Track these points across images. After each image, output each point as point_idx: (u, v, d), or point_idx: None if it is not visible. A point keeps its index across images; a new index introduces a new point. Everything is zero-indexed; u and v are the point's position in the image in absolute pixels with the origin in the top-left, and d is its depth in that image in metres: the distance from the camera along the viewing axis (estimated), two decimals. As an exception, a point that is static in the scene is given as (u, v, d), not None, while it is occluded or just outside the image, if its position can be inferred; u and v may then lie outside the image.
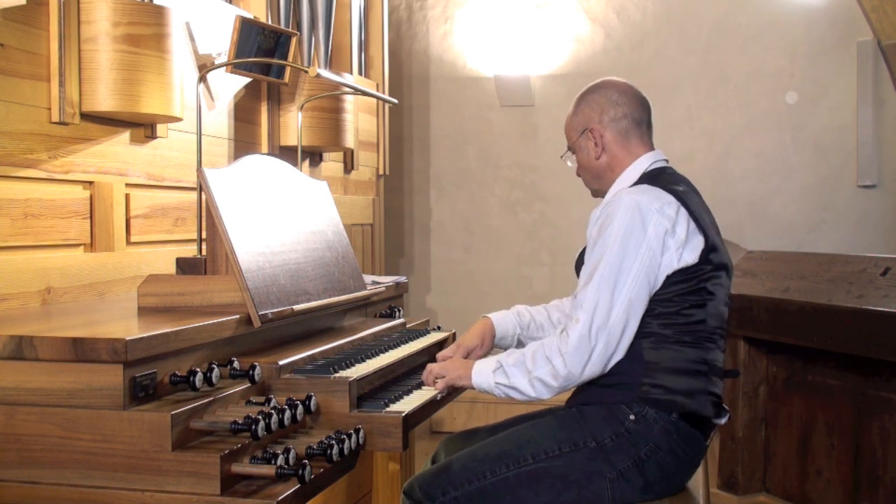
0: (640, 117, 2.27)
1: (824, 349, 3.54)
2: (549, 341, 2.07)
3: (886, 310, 3.19)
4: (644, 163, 2.24)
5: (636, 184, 2.18)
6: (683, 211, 2.09)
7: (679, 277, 2.07)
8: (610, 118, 2.25)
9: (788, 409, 3.89)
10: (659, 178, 2.17)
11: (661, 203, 2.07)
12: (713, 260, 2.10)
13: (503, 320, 2.47)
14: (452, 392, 2.35)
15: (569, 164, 2.39)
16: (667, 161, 2.27)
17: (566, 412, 2.17)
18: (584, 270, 2.11)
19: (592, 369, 2.03)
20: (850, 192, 5.50)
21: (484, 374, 2.15)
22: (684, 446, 2.08)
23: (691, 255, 2.07)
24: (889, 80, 5.23)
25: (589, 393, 2.13)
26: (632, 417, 2.06)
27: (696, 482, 2.22)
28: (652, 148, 2.28)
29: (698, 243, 2.08)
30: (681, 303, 2.08)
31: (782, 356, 3.92)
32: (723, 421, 2.17)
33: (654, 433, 2.05)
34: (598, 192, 2.33)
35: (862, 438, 3.50)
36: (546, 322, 2.50)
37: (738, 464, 4.00)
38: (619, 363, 2.06)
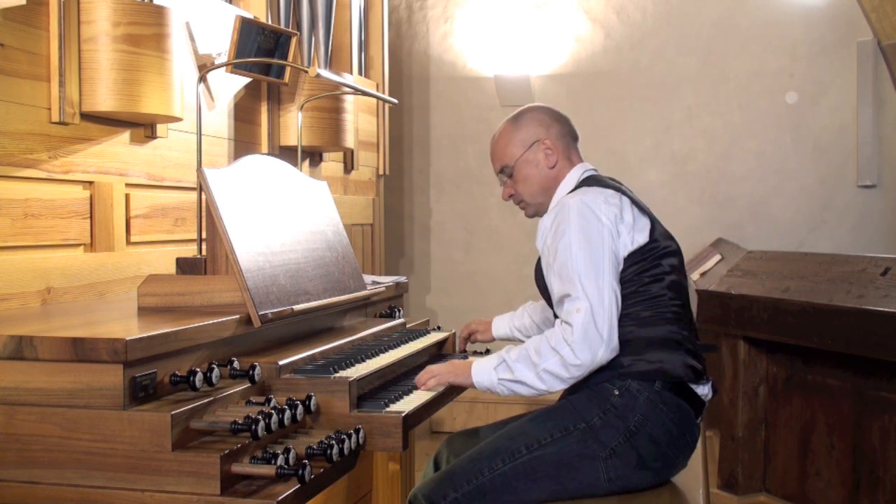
0: (575, 135, 2.44)
1: (824, 349, 3.54)
2: (549, 333, 2.10)
3: (886, 310, 3.19)
4: (578, 172, 2.36)
5: (573, 189, 2.30)
6: (626, 199, 2.22)
7: (635, 258, 2.18)
8: (557, 132, 2.38)
9: (788, 409, 3.89)
10: (593, 181, 2.29)
11: (604, 196, 2.19)
12: (660, 239, 2.23)
13: (503, 321, 2.72)
14: (452, 392, 2.34)
15: (505, 181, 2.42)
16: (596, 171, 2.39)
17: (556, 403, 2.24)
18: (557, 279, 2.15)
19: (602, 357, 2.06)
20: (850, 192, 5.50)
21: (485, 371, 2.16)
22: (672, 416, 2.12)
23: (641, 236, 2.19)
24: (889, 80, 5.23)
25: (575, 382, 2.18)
26: (616, 392, 2.11)
27: (697, 482, 2.22)
28: (583, 160, 2.42)
29: (645, 224, 2.21)
30: (639, 281, 2.17)
31: (782, 356, 3.92)
32: (707, 391, 2.22)
33: (639, 403, 2.10)
34: (540, 210, 2.41)
35: (862, 438, 3.50)
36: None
37: (738, 464, 4.00)
38: None
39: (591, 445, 2.09)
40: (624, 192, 2.25)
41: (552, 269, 2.17)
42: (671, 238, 2.29)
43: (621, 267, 2.17)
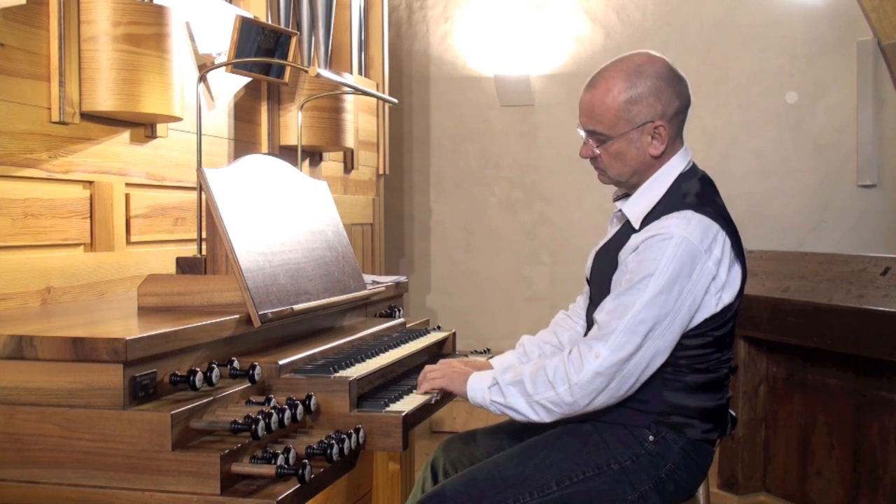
0: (689, 104, 2.09)
1: (824, 349, 3.54)
2: (554, 364, 1.96)
3: (886, 310, 3.19)
4: (679, 162, 2.09)
5: (671, 187, 2.05)
6: (728, 242, 1.98)
7: (715, 322, 1.99)
8: (675, 111, 2.05)
9: (788, 409, 3.89)
10: (696, 189, 2.04)
11: (710, 241, 1.94)
12: (744, 286, 2.04)
13: (506, 362, 2.36)
14: (447, 395, 2.31)
15: (589, 141, 2.08)
16: (693, 161, 2.14)
17: (582, 430, 2.07)
18: (615, 300, 1.95)
19: (598, 403, 1.95)
20: (850, 192, 5.50)
21: (479, 389, 2.06)
22: (699, 461, 2.06)
23: (730, 294, 1.99)
24: (889, 80, 5.23)
25: (605, 409, 2.03)
26: (651, 438, 2.00)
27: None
28: (683, 141, 2.14)
29: (736, 277, 2.00)
30: (710, 337, 2.00)
31: (782, 356, 3.92)
32: (730, 433, 2.15)
33: (673, 453, 2.01)
34: (625, 185, 2.12)
35: (862, 438, 3.50)
36: (557, 350, 2.36)
37: (738, 464, 4.00)
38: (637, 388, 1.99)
39: (623, 487, 1.99)
40: (726, 225, 1.99)
41: (618, 288, 1.96)
42: (747, 273, 2.07)
43: (693, 325, 1.97)
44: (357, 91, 3.42)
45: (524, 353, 2.40)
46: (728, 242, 1.98)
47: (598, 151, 2.08)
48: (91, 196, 2.40)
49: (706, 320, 1.98)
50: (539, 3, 5.75)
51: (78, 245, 2.36)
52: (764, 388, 4.01)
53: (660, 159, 2.07)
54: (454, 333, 2.93)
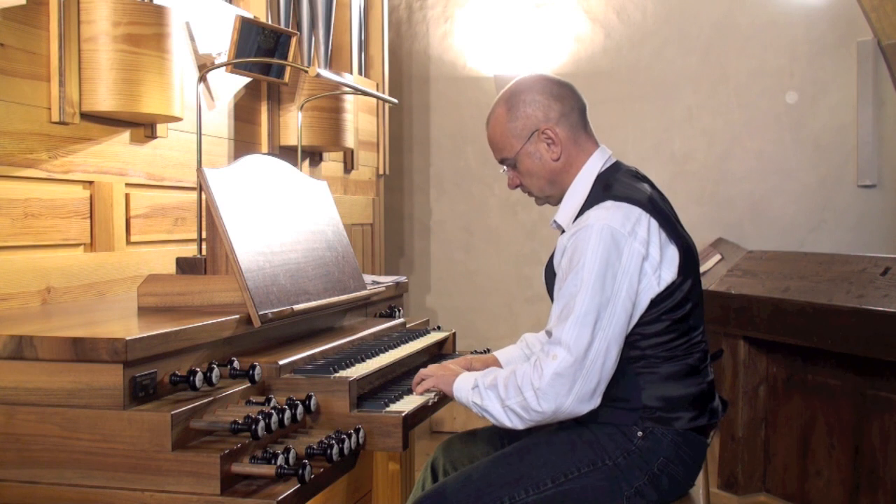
0: (582, 106, 2.14)
1: (824, 349, 3.54)
2: (523, 370, 1.97)
3: (886, 310, 3.19)
4: (597, 162, 2.12)
5: (593, 187, 2.09)
6: (654, 223, 1.99)
7: (661, 298, 2.00)
8: (559, 113, 2.10)
9: (788, 409, 3.89)
10: (616, 182, 2.07)
11: (633, 224, 1.97)
12: (688, 264, 2.04)
13: (508, 355, 2.40)
14: (444, 397, 2.31)
15: (506, 173, 2.19)
16: (611, 156, 2.17)
17: (576, 430, 2.08)
18: (558, 304, 1.98)
19: (569, 407, 1.93)
20: (850, 192, 5.50)
21: (463, 390, 2.09)
22: (691, 453, 2.06)
23: (669, 273, 2.00)
24: (889, 80, 5.23)
25: (595, 410, 2.03)
26: (640, 434, 2.02)
27: (697, 482, 2.22)
28: (597, 143, 2.16)
29: (673, 257, 2.01)
30: (667, 321, 2.02)
31: (782, 356, 3.92)
32: (721, 417, 2.16)
33: (663, 447, 2.02)
34: (552, 200, 2.19)
35: (862, 438, 3.50)
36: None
37: (738, 464, 4.00)
38: (616, 388, 2.00)
39: (619, 483, 2.01)
40: (652, 209, 2.01)
41: (559, 293, 1.99)
42: (693, 251, 2.07)
43: (642, 309, 1.98)
44: (357, 91, 3.42)
45: (527, 346, 2.43)
46: (654, 223, 2.00)
47: (516, 176, 2.18)
48: (91, 196, 2.40)
49: (655, 301, 1.99)
50: (539, 2, 5.75)
51: (78, 245, 2.36)
52: (764, 388, 4.01)
53: (570, 164, 2.12)
54: (454, 333, 2.93)
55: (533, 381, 1.93)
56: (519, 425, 1.99)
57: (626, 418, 2.03)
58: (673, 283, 2.01)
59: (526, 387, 1.95)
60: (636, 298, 1.98)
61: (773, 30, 5.53)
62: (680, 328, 2.04)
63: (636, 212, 1.99)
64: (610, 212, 1.98)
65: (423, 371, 2.24)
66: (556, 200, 2.18)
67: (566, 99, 2.12)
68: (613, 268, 1.94)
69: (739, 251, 4.74)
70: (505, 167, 2.19)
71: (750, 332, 3.88)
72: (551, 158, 2.11)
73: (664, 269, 2.00)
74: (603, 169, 2.12)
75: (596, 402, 1.95)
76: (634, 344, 2.02)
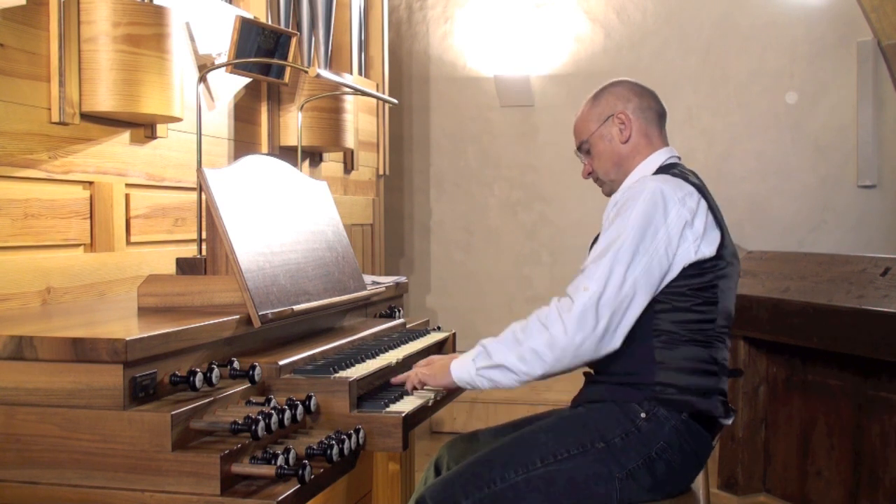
0: (661, 111, 2.27)
1: (824, 349, 3.54)
2: (544, 311, 2.02)
3: (886, 310, 3.19)
4: (662, 156, 2.22)
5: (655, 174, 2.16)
6: (704, 204, 2.07)
7: (694, 271, 2.05)
8: (636, 106, 2.24)
9: (788, 409, 3.89)
10: (677, 172, 2.16)
11: (684, 193, 2.05)
12: (726, 256, 2.10)
13: None
14: (448, 395, 2.32)
15: (583, 159, 2.31)
16: (679, 159, 2.26)
17: (572, 412, 2.14)
18: (598, 246, 2.05)
19: (588, 346, 1.97)
20: (850, 192, 5.51)
21: (464, 364, 2.11)
22: (693, 444, 2.06)
23: (708, 249, 2.05)
24: (889, 80, 5.23)
25: (598, 390, 2.11)
26: (643, 415, 2.03)
27: (697, 482, 2.22)
28: (667, 144, 2.28)
29: (715, 237, 2.07)
30: (693, 298, 2.05)
31: (782, 356, 3.92)
32: (730, 421, 2.16)
33: (665, 431, 2.03)
34: (614, 186, 2.27)
35: (862, 438, 3.50)
36: None
37: (738, 464, 4.00)
38: (630, 362, 2.03)
39: (609, 465, 2.02)
40: (705, 196, 2.10)
41: (602, 238, 2.05)
42: (736, 258, 2.16)
43: (674, 274, 2.04)
44: (357, 91, 3.42)
45: None
46: (704, 203, 2.08)
47: (588, 162, 2.30)
48: (91, 196, 2.40)
49: (686, 273, 2.04)
50: (539, 3, 5.75)
51: (78, 245, 2.36)
52: (764, 388, 4.01)
53: (636, 152, 2.23)
54: (454, 334, 2.93)
55: (562, 313, 1.98)
56: (537, 370, 2.01)
57: (632, 395, 2.05)
58: (708, 260, 2.06)
59: (553, 322, 1.99)
60: (672, 260, 2.03)
61: (773, 30, 5.54)
62: (705, 311, 2.07)
63: (689, 188, 2.08)
64: (664, 179, 2.08)
65: (411, 372, 2.24)
66: (619, 186, 2.25)
67: (646, 97, 2.26)
68: (657, 223, 2.01)
69: (739, 251, 4.74)
70: (581, 155, 2.31)
71: (750, 332, 3.88)
72: (620, 141, 2.23)
73: (704, 243, 2.05)
74: (665, 163, 2.21)
75: (616, 344, 1.99)
76: (658, 315, 2.05)
